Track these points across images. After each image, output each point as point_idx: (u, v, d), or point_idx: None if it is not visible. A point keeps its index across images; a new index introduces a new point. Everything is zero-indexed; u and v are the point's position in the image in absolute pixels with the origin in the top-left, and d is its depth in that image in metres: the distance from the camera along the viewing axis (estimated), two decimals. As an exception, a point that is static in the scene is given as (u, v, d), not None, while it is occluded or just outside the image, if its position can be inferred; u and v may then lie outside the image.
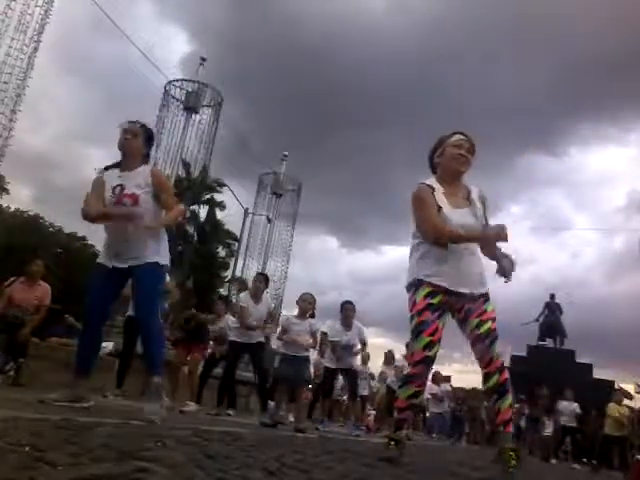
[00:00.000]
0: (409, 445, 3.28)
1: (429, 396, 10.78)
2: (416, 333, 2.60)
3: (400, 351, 9.33)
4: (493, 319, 2.62)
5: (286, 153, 22.88)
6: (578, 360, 21.50)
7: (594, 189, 70.78)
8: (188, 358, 6.31)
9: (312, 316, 5.41)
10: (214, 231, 23.14)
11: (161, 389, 3.08)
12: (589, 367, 21.13)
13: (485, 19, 51.08)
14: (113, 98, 47.87)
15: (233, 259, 21.71)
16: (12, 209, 25.50)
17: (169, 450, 1.54)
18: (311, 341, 5.22)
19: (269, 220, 22.00)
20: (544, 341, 22.62)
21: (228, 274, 21.99)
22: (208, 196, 22.49)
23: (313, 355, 6.07)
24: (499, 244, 2.68)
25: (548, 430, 12.29)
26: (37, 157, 41.67)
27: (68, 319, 8.43)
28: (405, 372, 2.89)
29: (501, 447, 2.56)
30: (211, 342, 6.83)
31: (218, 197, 23.12)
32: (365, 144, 59.54)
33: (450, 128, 2.84)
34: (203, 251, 21.79)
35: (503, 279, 2.67)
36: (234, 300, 13.51)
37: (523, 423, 12.81)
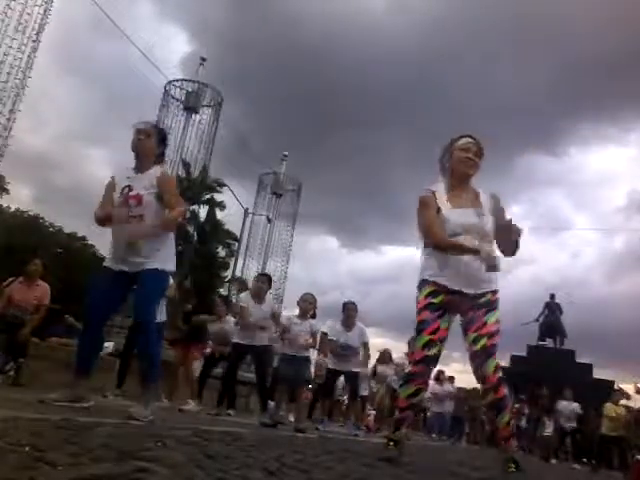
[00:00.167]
0: (409, 445, 3.28)
1: (430, 395, 10.76)
2: (417, 332, 2.63)
3: (400, 351, 9.34)
4: (491, 334, 2.53)
5: (286, 153, 22.93)
6: (578, 360, 21.53)
7: (594, 189, 70.76)
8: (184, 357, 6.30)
9: (313, 316, 5.41)
10: (214, 231, 23.11)
11: (153, 396, 3.07)
12: (589, 367, 21.16)
13: (485, 19, 51.09)
14: (113, 98, 47.96)
15: (233, 259, 21.71)
16: (12, 209, 25.53)
17: (169, 450, 1.54)
18: (311, 341, 5.22)
19: (269, 220, 22.01)
20: (544, 341, 22.65)
21: (228, 274, 21.99)
22: (208, 196, 22.46)
23: (313, 355, 6.05)
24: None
25: (548, 430, 12.30)
26: (37, 157, 41.71)
27: (68, 319, 8.44)
28: (406, 370, 2.89)
29: (502, 458, 2.57)
30: (210, 342, 6.83)
31: (218, 197, 23.11)
32: (365, 144, 59.54)
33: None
34: (203, 251, 21.77)
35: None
36: (234, 300, 13.51)
37: (523, 423, 12.82)
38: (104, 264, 3.24)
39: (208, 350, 6.90)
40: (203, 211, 22.51)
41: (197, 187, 20.62)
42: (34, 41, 12.06)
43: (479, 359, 2.52)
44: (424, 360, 2.60)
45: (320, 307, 5.73)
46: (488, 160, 2.89)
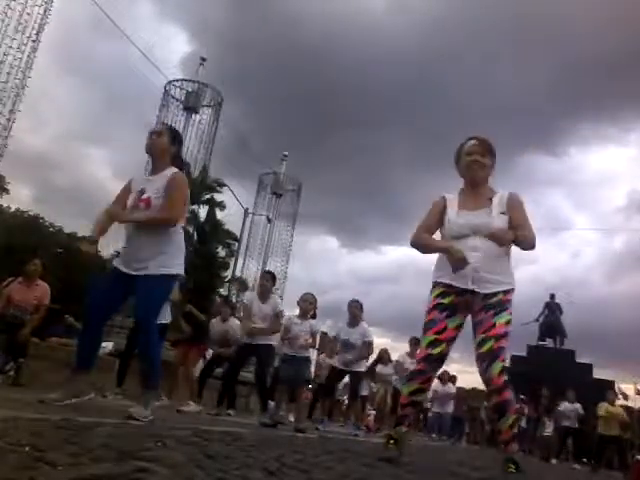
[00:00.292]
0: (409, 445, 3.27)
1: (431, 395, 10.75)
2: (423, 331, 2.65)
3: (401, 351, 9.33)
4: (498, 336, 2.49)
5: (286, 153, 22.90)
6: (578, 360, 21.51)
7: (594, 189, 70.94)
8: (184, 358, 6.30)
9: (313, 316, 5.40)
10: (214, 231, 23.10)
11: (153, 396, 3.07)
12: (589, 367, 21.14)
13: (485, 19, 51.19)
14: (113, 98, 48.03)
15: (233, 259, 21.70)
16: (12, 209, 25.52)
17: (169, 450, 1.54)
18: (311, 341, 5.22)
19: (269, 220, 22.00)
20: (544, 341, 22.63)
21: (228, 274, 21.97)
22: (208, 196, 22.42)
23: (313, 355, 6.06)
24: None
25: (548, 430, 12.30)
26: (37, 157, 41.74)
27: (68, 319, 8.44)
28: (405, 367, 2.93)
29: (502, 458, 2.57)
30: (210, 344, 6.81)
31: (218, 197, 23.07)
32: (365, 144, 59.64)
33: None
34: (203, 251, 21.76)
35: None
36: (233, 300, 13.53)
37: (523, 423, 12.82)
38: (113, 263, 3.22)
39: (210, 352, 6.89)
40: (203, 211, 22.50)
41: (197, 187, 20.55)
42: (34, 41, 12.05)
43: (485, 361, 2.50)
44: (427, 359, 2.61)
45: (320, 307, 5.74)
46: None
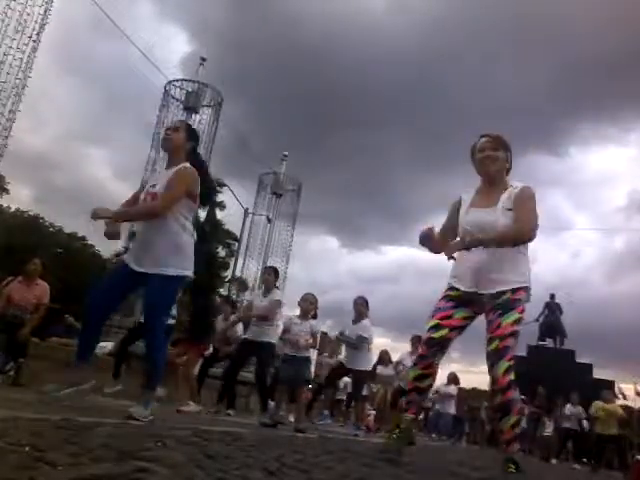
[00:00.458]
0: (414, 435, 3.25)
1: (431, 394, 10.74)
2: (428, 318, 2.70)
3: (401, 351, 9.34)
4: (504, 336, 2.48)
5: (286, 153, 22.87)
6: (578, 360, 21.49)
7: (594, 189, 70.91)
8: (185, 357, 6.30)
9: (314, 317, 5.40)
10: (214, 231, 23.13)
11: (153, 397, 3.07)
12: (589, 367, 21.13)
13: (485, 19, 51.15)
14: (113, 98, 48.04)
15: (233, 259, 21.72)
16: (12, 209, 25.55)
17: (169, 450, 1.54)
18: (311, 341, 5.22)
19: (269, 220, 21.98)
20: (544, 341, 22.61)
21: (228, 274, 22.00)
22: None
23: (314, 355, 6.06)
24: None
25: (548, 430, 12.29)
26: (37, 157, 41.79)
27: (68, 319, 8.46)
28: (403, 364, 3.00)
29: (502, 458, 2.58)
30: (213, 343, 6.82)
31: (218, 197, 23.12)
32: (365, 144, 59.66)
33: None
34: (203, 251, 21.77)
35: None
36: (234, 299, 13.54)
37: (523, 423, 12.81)
38: (124, 258, 3.19)
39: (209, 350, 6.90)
40: (203, 211, 22.50)
41: (197, 187, 20.58)
42: (34, 41, 12.04)
43: (491, 360, 2.51)
44: (427, 342, 2.65)
45: (320, 307, 5.73)
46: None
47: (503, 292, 2.56)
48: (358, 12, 53.62)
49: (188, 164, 3.11)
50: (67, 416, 2.05)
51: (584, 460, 11.56)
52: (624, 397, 11.39)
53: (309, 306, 5.28)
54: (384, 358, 9.54)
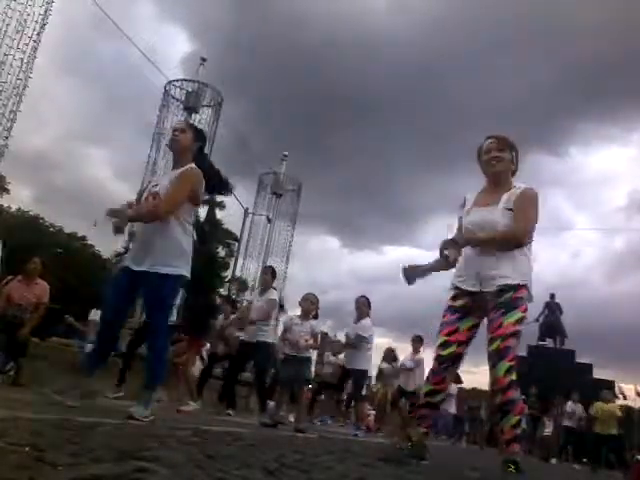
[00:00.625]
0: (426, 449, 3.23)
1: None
2: (437, 332, 2.75)
3: (402, 351, 9.33)
4: (505, 336, 2.48)
5: (286, 153, 22.86)
6: (578, 360, 21.48)
7: (595, 189, 70.88)
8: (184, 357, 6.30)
9: (315, 317, 5.39)
10: (214, 231, 23.13)
11: (154, 397, 3.07)
12: (589, 367, 21.12)
13: (485, 19, 51.13)
14: (113, 98, 47.98)
15: (233, 259, 21.71)
16: (12, 209, 25.54)
17: (169, 450, 1.54)
18: (311, 342, 5.21)
19: (269, 220, 21.98)
20: (544, 341, 22.58)
21: (228, 274, 21.99)
22: (207, 196, 22.47)
23: (314, 355, 6.06)
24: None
25: (547, 430, 12.29)
26: (37, 157, 41.73)
27: (68, 319, 8.45)
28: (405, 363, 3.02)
29: (501, 459, 2.57)
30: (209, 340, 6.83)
31: (218, 197, 23.09)
32: (365, 144, 59.61)
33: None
34: (203, 251, 21.77)
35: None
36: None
37: (523, 423, 12.79)
38: (124, 263, 3.19)
39: (207, 347, 6.91)
40: (203, 211, 22.52)
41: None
42: (34, 41, 12.04)
43: (492, 360, 2.52)
44: (437, 359, 2.71)
45: (320, 307, 5.73)
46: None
47: (505, 290, 2.56)
48: (358, 12, 53.58)
49: (194, 165, 3.12)
50: (67, 416, 2.05)
51: (584, 460, 11.56)
52: (624, 397, 11.39)
53: (310, 306, 5.27)
54: (389, 356, 9.52)
